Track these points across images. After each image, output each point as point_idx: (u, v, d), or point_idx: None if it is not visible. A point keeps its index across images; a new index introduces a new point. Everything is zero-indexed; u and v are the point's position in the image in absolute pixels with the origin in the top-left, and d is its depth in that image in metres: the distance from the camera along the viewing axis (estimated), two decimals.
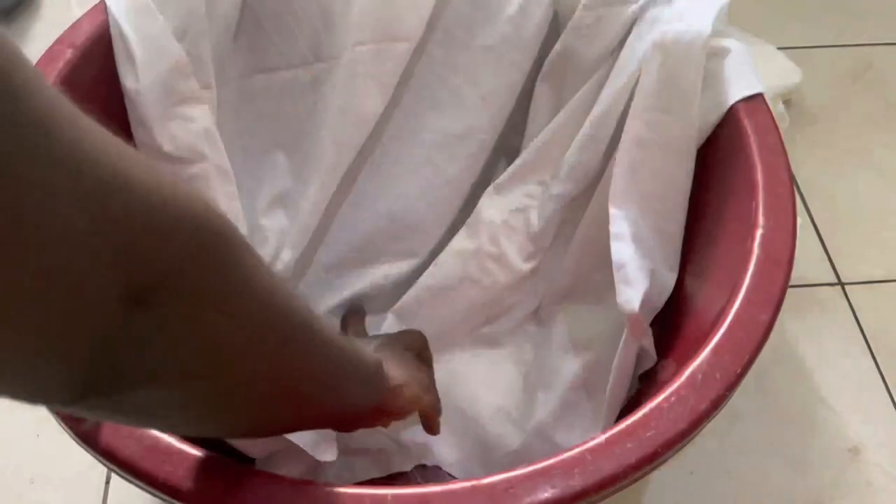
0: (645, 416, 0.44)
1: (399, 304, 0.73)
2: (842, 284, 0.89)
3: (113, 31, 0.59)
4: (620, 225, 0.62)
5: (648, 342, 0.62)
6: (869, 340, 0.85)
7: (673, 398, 0.45)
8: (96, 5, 0.61)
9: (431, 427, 0.59)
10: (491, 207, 0.73)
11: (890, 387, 0.81)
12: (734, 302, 0.50)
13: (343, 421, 0.47)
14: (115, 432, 0.42)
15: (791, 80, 1.00)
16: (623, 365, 0.61)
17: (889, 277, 0.90)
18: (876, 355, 0.84)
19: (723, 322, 0.49)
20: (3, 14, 1.06)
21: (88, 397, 0.27)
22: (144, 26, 0.59)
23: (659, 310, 0.63)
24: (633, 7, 0.65)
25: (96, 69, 0.60)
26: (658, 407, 0.45)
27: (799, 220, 0.80)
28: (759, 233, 0.53)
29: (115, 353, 0.26)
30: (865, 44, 1.13)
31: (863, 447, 0.78)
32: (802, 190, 0.97)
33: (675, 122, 0.61)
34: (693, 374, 0.46)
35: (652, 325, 0.63)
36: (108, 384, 0.27)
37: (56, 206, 0.22)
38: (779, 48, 1.11)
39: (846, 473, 0.76)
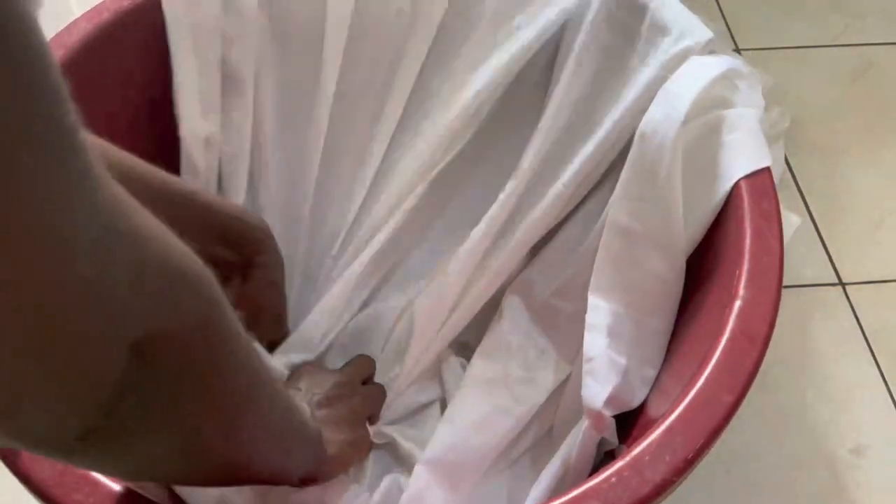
0: (583, 493, 0.42)
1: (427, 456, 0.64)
2: (842, 284, 0.89)
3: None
4: (597, 315, 0.59)
5: (610, 433, 0.59)
6: (869, 340, 0.85)
7: (614, 479, 0.42)
8: (95, 7, 0.61)
9: None
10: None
11: (890, 387, 0.81)
12: (698, 379, 0.46)
13: (274, 481, 0.48)
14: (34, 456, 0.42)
15: (780, 127, 0.98)
16: (582, 456, 0.58)
17: (889, 277, 0.90)
18: (876, 355, 0.84)
19: (682, 400, 0.45)
20: None
21: (89, 443, 0.28)
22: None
23: (631, 408, 0.58)
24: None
25: (85, 71, 0.60)
26: (597, 487, 0.42)
27: (799, 220, 0.80)
28: (737, 305, 0.49)
29: (118, 400, 0.27)
30: (865, 44, 1.13)
31: (863, 447, 0.78)
32: (802, 190, 0.97)
33: (656, 213, 0.58)
34: (640, 456, 0.43)
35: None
36: (109, 430, 0.28)
37: (66, 252, 0.23)
38: (779, 48, 1.11)
39: (846, 473, 0.76)
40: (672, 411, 0.45)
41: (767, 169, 0.57)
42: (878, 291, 0.89)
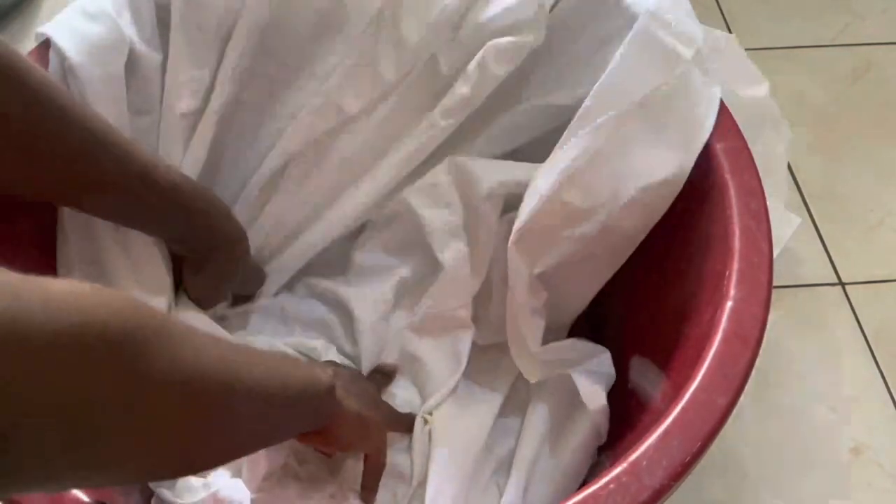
0: (581, 501, 0.41)
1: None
2: (842, 284, 0.89)
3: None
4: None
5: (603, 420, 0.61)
6: (869, 340, 0.85)
7: (612, 485, 0.42)
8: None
9: (368, 479, 0.61)
10: None
11: (890, 387, 0.81)
12: (692, 382, 0.45)
13: (286, 437, 0.50)
14: None
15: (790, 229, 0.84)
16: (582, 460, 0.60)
17: (889, 277, 0.90)
18: (876, 355, 0.84)
19: (677, 404, 0.45)
20: (3, 14, 1.06)
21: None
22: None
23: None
24: None
25: None
26: (595, 494, 0.41)
27: (799, 220, 0.80)
28: (728, 305, 0.49)
29: None
30: (865, 44, 1.13)
31: (863, 447, 0.78)
32: (802, 190, 0.97)
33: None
34: (637, 461, 0.43)
35: (616, 403, 0.61)
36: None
37: None
38: (779, 48, 1.11)
39: (847, 474, 0.76)
40: (668, 415, 0.44)
41: (754, 169, 0.57)
42: (878, 291, 0.89)
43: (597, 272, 0.65)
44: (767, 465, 0.76)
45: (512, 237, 0.60)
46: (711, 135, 0.58)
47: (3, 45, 0.48)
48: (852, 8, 1.17)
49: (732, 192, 0.55)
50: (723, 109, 0.60)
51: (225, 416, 0.37)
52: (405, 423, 0.65)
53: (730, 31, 1.13)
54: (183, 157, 0.67)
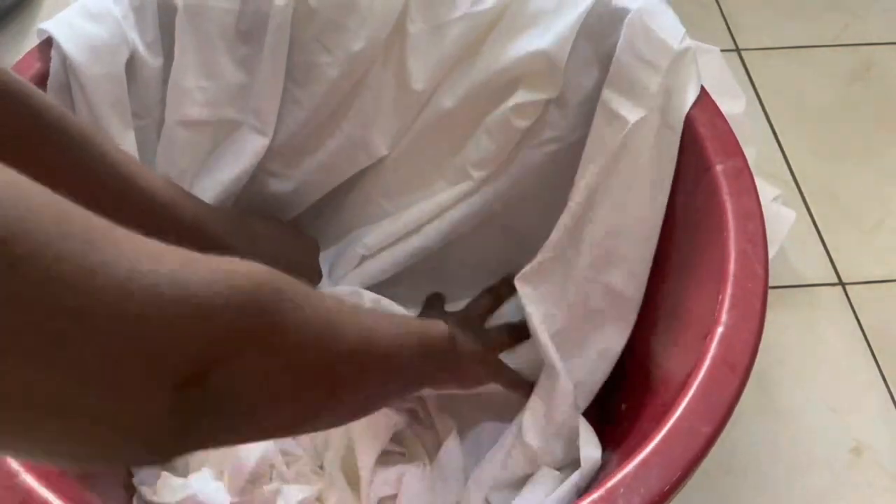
0: None
1: None
2: (842, 284, 0.89)
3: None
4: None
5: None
6: (869, 340, 0.85)
7: None
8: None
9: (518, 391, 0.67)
10: None
11: (891, 387, 0.81)
12: (676, 409, 0.44)
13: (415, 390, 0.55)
14: None
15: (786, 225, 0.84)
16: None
17: (889, 277, 0.90)
18: (876, 355, 0.84)
19: (658, 431, 0.44)
20: (3, 14, 1.06)
21: (154, 459, 0.29)
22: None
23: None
24: None
25: None
26: None
27: (794, 214, 0.80)
28: (718, 331, 0.47)
29: (176, 426, 0.28)
30: (865, 44, 1.13)
31: (864, 447, 0.78)
32: (802, 190, 0.97)
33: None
34: (614, 488, 0.42)
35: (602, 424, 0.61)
36: (169, 450, 0.29)
37: (85, 320, 0.24)
38: (779, 48, 1.11)
39: (847, 474, 0.76)
40: (649, 442, 0.43)
41: (754, 191, 0.55)
42: (878, 291, 0.89)
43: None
44: (767, 465, 0.76)
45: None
46: (712, 154, 0.57)
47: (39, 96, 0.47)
48: (852, 8, 1.17)
49: (730, 214, 0.53)
50: (724, 127, 0.59)
51: (356, 374, 0.39)
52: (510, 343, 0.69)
53: (730, 31, 1.13)
54: (181, 167, 0.67)
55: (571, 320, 0.64)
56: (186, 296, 0.27)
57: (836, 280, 0.89)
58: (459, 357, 0.55)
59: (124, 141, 0.63)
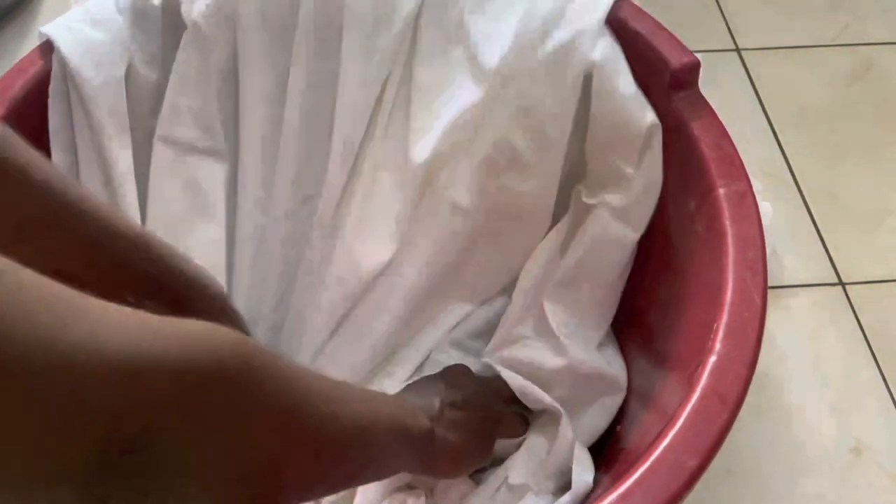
0: None
1: None
2: (842, 284, 0.89)
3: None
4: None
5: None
6: (869, 340, 0.85)
7: None
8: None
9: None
10: None
11: (890, 387, 0.81)
12: (662, 440, 0.43)
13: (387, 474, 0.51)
14: None
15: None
16: None
17: (889, 277, 0.90)
18: (876, 355, 0.84)
19: (642, 464, 0.42)
20: (4, 14, 1.06)
21: None
22: None
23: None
24: None
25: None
26: None
27: (771, 208, 0.79)
28: (711, 360, 0.46)
29: (107, 491, 0.27)
30: (865, 44, 1.13)
31: (864, 447, 0.78)
32: (802, 190, 0.97)
33: None
34: None
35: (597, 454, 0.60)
36: None
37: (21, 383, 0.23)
38: (779, 48, 1.11)
39: (847, 474, 0.76)
40: (631, 474, 0.42)
41: (757, 216, 0.54)
42: (878, 291, 0.88)
43: None
44: (767, 465, 0.76)
45: None
46: (715, 177, 0.56)
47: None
48: (852, 8, 1.17)
49: (730, 239, 0.52)
50: (730, 150, 0.57)
51: (324, 448, 0.37)
52: (517, 430, 0.64)
53: (730, 31, 1.13)
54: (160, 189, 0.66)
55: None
56: (132, 360, 0.26)
57: (836, 280, 0.89)
58: (435, 454, 0.52)
59: (121, 149, 0.62)
